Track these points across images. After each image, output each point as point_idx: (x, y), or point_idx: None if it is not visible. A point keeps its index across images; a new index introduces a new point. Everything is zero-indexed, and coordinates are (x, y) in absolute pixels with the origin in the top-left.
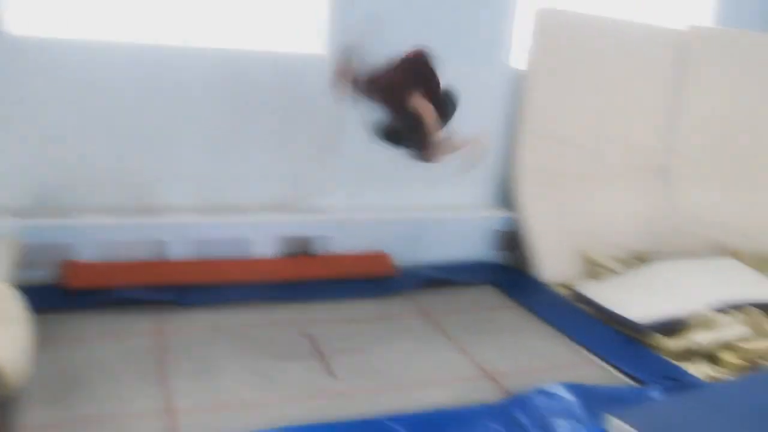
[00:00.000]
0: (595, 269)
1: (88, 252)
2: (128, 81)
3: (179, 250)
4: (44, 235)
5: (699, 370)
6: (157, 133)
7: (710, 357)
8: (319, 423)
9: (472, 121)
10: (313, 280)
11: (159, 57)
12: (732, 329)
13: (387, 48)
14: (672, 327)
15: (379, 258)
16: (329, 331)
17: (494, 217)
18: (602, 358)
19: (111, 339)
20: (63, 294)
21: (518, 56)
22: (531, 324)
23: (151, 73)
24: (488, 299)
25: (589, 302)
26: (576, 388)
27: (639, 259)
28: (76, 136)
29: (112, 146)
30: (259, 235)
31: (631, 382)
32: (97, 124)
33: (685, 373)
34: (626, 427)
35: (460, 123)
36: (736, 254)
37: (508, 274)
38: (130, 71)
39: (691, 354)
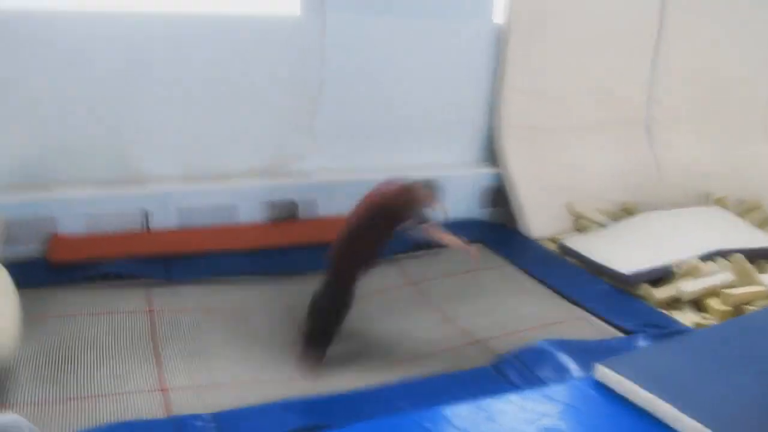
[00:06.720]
0: (581, 222)
1: (73, 225)
2: (107, 51)
3: (165, 219)
4: (28, 210)
5: (686, 317)
6: (138, 102)
7: (697, 304)
8: (316, 396)
9: (458, 77)
10: (300, 246)
11: (137, 25)
12: (717, 276)
13: None
14: (659, 276)
15: None
16: None
17: (480, 175)
18: (591, 311)
19: (100, 314)
20: (49, 269)
21: (501, 11)
22: (520, 281)
23: (129, 42)
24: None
25: (576, 255)
26: (564, 344)
27: (625, 211)
28: (56, 108)
29: (94, 118)
30: (244, 201)
31: (620, 334)
32: (77, 96)
33: (672, 321)
34: (613, 374)
35: (445, 85)
36: (720, 202)
37: (496, 231)
38: (108, 41)
39: (678, 302)
